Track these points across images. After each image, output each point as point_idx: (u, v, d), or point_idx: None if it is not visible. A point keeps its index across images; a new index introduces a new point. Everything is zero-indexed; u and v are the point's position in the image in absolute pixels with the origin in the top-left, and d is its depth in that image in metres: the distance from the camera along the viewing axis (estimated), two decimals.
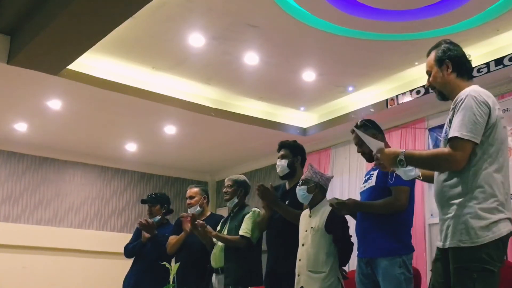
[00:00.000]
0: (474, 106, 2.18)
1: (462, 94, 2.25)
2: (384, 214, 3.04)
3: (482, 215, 2.13)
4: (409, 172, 2.47)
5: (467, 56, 2.45)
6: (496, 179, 2.17)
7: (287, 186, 3.76)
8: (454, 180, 2.22)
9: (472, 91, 2.25)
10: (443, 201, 2.28)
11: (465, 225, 2.14)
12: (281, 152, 3.75)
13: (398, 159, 2.28)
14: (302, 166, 3.80)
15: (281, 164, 3.71)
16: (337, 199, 3.17)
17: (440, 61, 2.41)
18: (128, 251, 4.60)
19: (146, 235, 4.44)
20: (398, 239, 3.03)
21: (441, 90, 2.43)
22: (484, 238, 2.11)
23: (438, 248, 2.31)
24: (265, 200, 3.58)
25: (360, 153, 3.28)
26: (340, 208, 3.12)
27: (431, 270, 2.35)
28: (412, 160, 2.29)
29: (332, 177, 3.59)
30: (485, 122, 2.18)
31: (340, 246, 3.26)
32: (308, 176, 3.42)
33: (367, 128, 3.24)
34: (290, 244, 3.44)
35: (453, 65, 2.39)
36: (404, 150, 2.31)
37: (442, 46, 2.44)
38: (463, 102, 2.21)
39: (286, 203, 3.60)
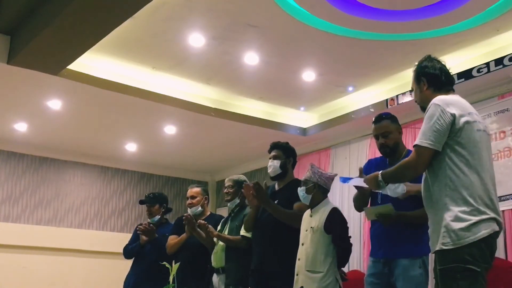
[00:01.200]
0: (435, 114, 2.31)
1: (430, 104, 2.38)
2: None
3: (462, 217, 2.19)
4: (396, 189, 2.74)
5: (445, 69, 2.55)
6: (473, 181, 2.23)
7: (277, 187, 3.76)
8: (435, 186, 2.31)
9: (436, 99, 2.37)
10: (428, 207, 2.37)
11: (446, 228, 2.20)
12: (274, 153, 3.75)
13: (378, 180, 2.52)
14: (293, 168, 3.81)
15: (274, 165, 3.70)
16: (374, 210, 3.06)
17: (417, 79, 2.57)
18: (127, 253, 4.60)
19: (144, 237, 4.43)
20: (420, 239, 2.99)
21: (421, 105, 2.58)
22: (465, 240, 2.16)
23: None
24: (258, 198, 3.57)
25: (382, 144, 3.17)
26: (386, 221, 3.03)
27: (434, 278, 2.36)
28: (387, 177, 2.52)
29: (336, 175, 3.55)
30: (447, 128, 2.29)
31: (340, 247, 3.25)
32: (307, 177, 3.42)
33: (394, 120, 3.22)
34: (278, 243, 3.46)
35: (428, 81, 2.53)
36: (381, 171, 2.54)
37: (421, 64, 2.58)
38: (427, 112, 2.36)
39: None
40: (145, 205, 4.68)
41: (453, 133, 2.29)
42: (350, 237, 3.34)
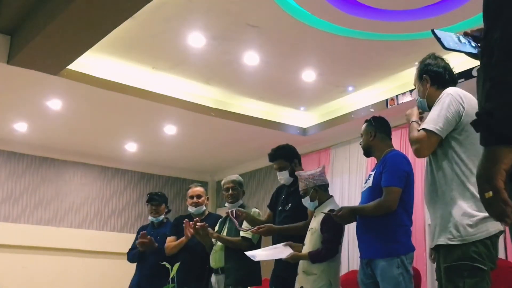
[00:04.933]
0: (447, 103, 2.32)
1: (442, 94, 2.39)
2: (378, 216, 3.04)
3: (471, 213, 2.16)
4: None
5: (449, 68, 2.57)
6: None
7: (287, 188, 3.76)
8: (441, 180, 2.28)
9: (450, 90, 2.39)
10: (432, 201, 2.34)
11: (454, 223, 2.18)
12: (277, 165, 3.73)
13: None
14: (300, 164, 3.83)
15: (284, 177, 3.71)
16: (333, 210, 3.18)
17: (420, 77, 2.58)
18: (130, 258, 4.68)
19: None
20: (395, 239, 3.00)
21: (427, 104, 2.57)
22: (472, 237, 2.13)
23: (431, 249, 2.36)
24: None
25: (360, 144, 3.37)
26: (338, 220, 3.14)
27: (436, 275, 2.36)
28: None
29: (323, 167, 3.59)
30: (456, 119, 2.29)
31: (323, 249, 3.25)
32: (303, 187, 3.43)
33: (370, 124, 3.27)
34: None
35: (431, 79, 2.53)
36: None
37: (424, 62, 2.60)
38: (438, 100, 2.36)
39: (289, 205, 3.62)
40: (152, 204, 4.66)
41: (461, 126, 2.27)
42: (340, 244, 3.34)
